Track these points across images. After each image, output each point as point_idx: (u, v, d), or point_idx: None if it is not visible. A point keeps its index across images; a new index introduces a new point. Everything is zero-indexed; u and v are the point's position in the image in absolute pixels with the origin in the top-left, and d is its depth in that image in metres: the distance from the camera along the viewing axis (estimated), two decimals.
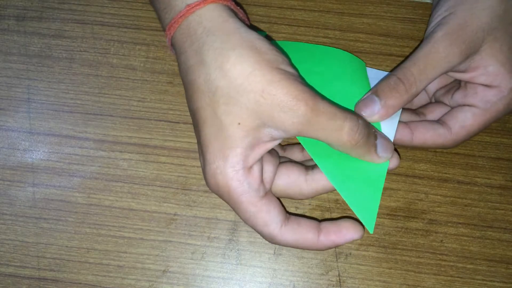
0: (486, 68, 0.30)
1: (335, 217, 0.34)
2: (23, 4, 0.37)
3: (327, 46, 0.35)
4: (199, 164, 0.34)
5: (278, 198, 0.29)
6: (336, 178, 0.28)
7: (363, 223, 0.28)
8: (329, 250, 0.33)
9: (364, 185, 0.28)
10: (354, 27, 0.37)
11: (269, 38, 0.36)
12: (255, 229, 0.28)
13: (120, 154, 0.34)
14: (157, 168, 0.34)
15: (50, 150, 0.35)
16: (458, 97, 0.32)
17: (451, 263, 0.33)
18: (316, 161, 0.28)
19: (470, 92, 0.31)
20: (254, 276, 0.33)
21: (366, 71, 0.33)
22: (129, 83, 0.36)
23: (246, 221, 0.28)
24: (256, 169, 0.27)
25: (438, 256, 0.33)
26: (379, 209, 0.34)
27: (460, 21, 0.29)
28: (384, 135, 0.29)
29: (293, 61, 0.33)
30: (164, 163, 0.34)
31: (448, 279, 0.33)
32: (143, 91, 0.35)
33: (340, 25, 0.37)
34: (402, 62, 0.30)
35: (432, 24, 0.31)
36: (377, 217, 0.34)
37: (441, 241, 0.34)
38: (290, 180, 0.29)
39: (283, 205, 0.29)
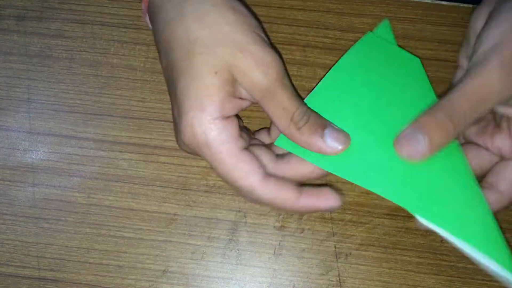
0: None
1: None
2: (23, 4, 0.37)
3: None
4: (199, 164, 0.34)
5: None
6: (447, 223, 0.26)
7: (500, 264, 0.25)
8: (329, 250, 0.33)
9: (475, 218, 0.26)
10: (354, 27, 0.37)
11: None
12: (233, 185, 0.26)
13: (120, 154, 0.34)
14: (157, 168, 0.34)
15: (50, 150, 0.35)
16: (504, 143, 0.28)
17: (451, 263, 0.33)
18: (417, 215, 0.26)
19: None
20: (254, 276, 0.33)
21: (422, 69, 0.30)
22: (129, 83, 0.36)
23: (224, 175, 0.26)
24: (234, 119, 0.26)
25: (438, 256, 0.33)
26: (379, 209, 0.34)
27: None
28: (338, 127, 0.27)
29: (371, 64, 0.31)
30: (164, 163, 0.34)
31: (448, 279, 0.33)
32: (143, 91, 0.35)
33: (340, 25, 0.37)
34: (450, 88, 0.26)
35: (483, 48, 0.26)
36: (377, 217, 0.34)
37: (441, 241, 0.34)
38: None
39: None
